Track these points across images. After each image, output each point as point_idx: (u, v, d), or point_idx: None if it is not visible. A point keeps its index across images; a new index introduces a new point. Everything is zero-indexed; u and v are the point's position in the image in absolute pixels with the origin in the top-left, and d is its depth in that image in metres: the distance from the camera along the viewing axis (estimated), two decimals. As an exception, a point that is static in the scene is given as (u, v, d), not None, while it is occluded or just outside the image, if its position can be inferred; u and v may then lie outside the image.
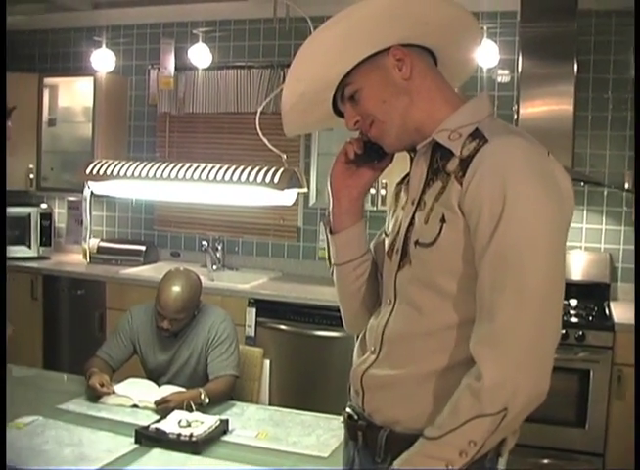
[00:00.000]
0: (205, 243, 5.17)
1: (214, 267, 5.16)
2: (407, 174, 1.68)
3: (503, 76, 4.59)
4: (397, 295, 1.59)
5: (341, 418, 1.74)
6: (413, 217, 1.56)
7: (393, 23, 1.51)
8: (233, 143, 5.28)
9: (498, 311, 1.38)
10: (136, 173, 2.54)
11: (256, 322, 4.52)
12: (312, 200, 4.85)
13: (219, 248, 5.27)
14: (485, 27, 4.34)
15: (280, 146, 2.46)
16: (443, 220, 1.47)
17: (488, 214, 1.39)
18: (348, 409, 1.70)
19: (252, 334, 4.51)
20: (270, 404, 3.36)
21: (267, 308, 4.52)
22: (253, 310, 4.54)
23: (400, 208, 1.66)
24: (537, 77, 4.12)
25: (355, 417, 1.67)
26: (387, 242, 1.67)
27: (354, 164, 1.69)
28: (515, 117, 4.20)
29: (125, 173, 2.55)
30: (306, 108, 1.66)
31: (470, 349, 1.42)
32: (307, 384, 4.39)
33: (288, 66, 1.64)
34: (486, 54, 4.35)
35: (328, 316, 4.22)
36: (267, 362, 3.44)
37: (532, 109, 4.14)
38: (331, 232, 1.76)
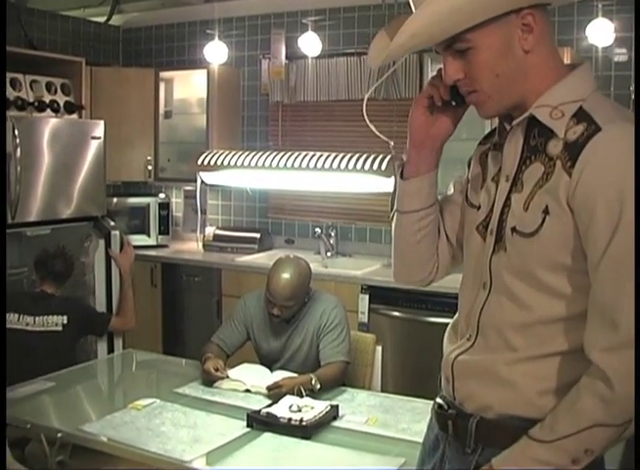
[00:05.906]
0: (318, 230, 5.17)
1: (328, 254, 5.18)
2: (491, 132, 1.59)
3: (620, 55, 4.40)
4: (493, 280, 1.49)
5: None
6: (509, 198, 1.46)
7: None
8: (344, 130, 5.26)
9: (622, 318, 1.29)
10: (245, 163, 2.60)
11: (369, 308, 4.52)
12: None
13: (332, 235, 5.27)
14: (600, 5, 4.17)
15: (392, 132, 2.43)
16: (546, 212, 1.37)
17: (605, 215, 1.30)
18: (439, 399, 1.64)
19: (366, 320, 4.51)
20: (382, 390, 3.35)
21: (380, 295, 4.49)
22: (366, 297, 4.53)
23: (490, 178, 1.55)
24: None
25: (445, 407, 1.60)
26: (475, 215, 1.57)
27: (434, 108, 1.56)
28: (632, 96, 4.03)
29: (235, 163, 2.61)
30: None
31: (591, 356, 1.33)
32: (420, 370, 4.36)
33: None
34: (601, 32, 4.17)
35: (441, 303, 4.17)
36: (379, 348, 3.44)
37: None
38: (402, 177, 1.65)
